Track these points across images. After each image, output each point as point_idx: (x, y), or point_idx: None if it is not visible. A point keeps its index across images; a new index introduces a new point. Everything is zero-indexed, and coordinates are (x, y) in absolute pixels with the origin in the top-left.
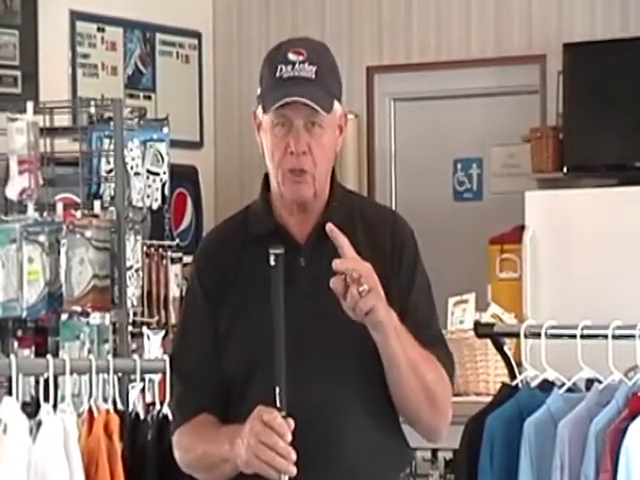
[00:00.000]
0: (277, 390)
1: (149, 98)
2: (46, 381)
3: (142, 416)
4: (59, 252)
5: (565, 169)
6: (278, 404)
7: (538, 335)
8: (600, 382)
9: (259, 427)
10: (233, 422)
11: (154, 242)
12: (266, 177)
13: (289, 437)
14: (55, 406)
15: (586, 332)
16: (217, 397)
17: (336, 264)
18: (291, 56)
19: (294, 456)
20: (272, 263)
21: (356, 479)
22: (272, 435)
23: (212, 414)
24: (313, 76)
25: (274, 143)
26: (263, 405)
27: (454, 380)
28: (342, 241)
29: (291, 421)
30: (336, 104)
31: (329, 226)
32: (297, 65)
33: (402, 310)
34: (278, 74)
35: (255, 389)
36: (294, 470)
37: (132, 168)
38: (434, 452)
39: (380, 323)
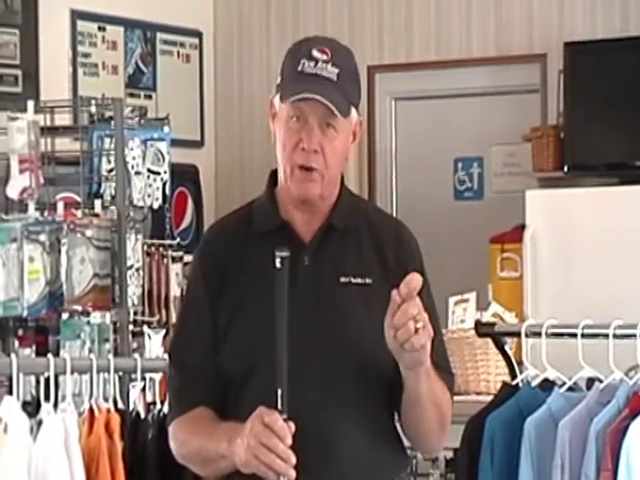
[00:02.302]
0: (279, 392)
1: (150, 97)
2: (47, 380)
3: (143, 415)
4: (60, 251)
5: (566, 168)
6: (279, 406)
7: (539, 334)
8: (601, 381)
9: (259, 428)
10: (231, 418)
11: (155, 241)
12: (272, 173)
13: (289, 440)
14: (56, 405)
15: (587, 331)
16: (214, 391)
17: (404, 295)
18: (315, 53)
19: (294, 459)
20: (278, 266)
21: None
22: (272, 437)
23: (209, 407)
24: (335, 78)
25: (287, 136)
26: (263, 406)
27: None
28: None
29: (292, 424)
30: (353, 110)
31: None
32: (320, 63)
33: None
34: (300, 68)
35: (254, 385)
36: (293, 474)
37: (133, 167)
38: None
39: (421, 363)
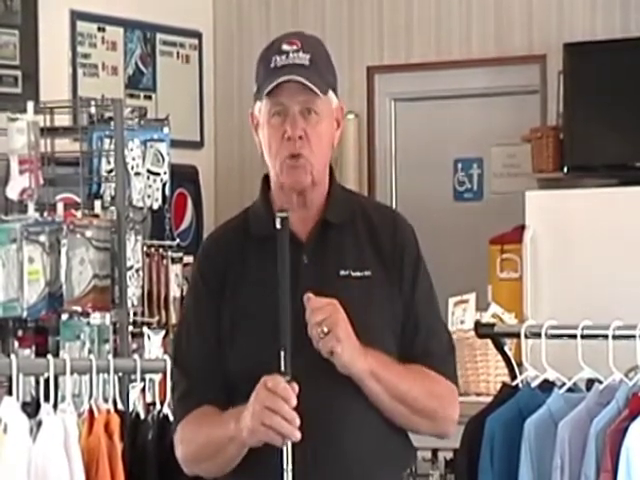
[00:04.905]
0: (282, 353)
1: (149, 98)
2: (46, 381)
3: (142, 416)
4: (59, 252)
5: (565, 169)
6: (282, 368)
7: (538, 335)
8: (600, 382)
9: (264, 394)
10: None
11: (154, 242)
12: (265, 178)
13: (294, 401)
14: (55, 406)
15: (586, 332)
16: (220, 395)
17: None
18: (285, 47)
19: (298, 421)
20: (278, 226)
21: (359, 478)
22: (277, 400)
23: (214, 407)
24: (307, 63)
25: (271, 133)
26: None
27: (457, 380)
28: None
29: (295, 385)
30: (331, 93)
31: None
32: (291, 54)
33: (405, 312)
34: (273, 65)
35: None
36: (298, 435)
37: (132, 168)
38: (434, 452)
39: (345, 367)
